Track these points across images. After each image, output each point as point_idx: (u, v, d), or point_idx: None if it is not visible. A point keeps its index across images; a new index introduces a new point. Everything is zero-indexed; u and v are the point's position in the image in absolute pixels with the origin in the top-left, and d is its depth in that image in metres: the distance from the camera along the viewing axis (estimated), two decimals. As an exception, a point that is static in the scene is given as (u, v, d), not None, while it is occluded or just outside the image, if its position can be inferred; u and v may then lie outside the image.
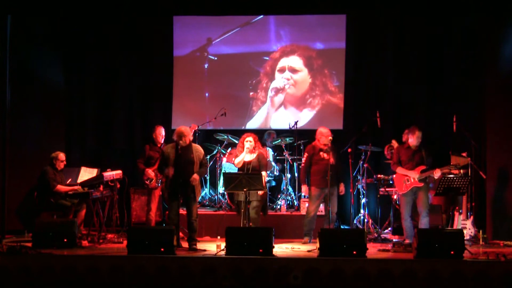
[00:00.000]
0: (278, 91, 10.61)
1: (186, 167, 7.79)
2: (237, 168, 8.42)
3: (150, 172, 8.74)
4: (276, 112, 10.63)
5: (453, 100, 9.99)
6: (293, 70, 10.61)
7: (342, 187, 8.48)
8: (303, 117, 10.50)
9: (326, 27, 10.55)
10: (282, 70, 10.61)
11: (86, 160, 10.12)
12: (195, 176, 7.77)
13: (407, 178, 8.10)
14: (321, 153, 8.24)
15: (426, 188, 8.14)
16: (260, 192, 8.06)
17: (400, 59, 10.35)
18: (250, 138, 8.25)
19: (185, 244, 7.89)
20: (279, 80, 10.60)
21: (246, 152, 8.19)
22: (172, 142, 8.01)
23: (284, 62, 10.62)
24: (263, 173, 8.19)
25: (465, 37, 9.90)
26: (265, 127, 10.57)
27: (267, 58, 10.63)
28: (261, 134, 9.91)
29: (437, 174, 8.03)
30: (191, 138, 8.00)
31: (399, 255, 7.41)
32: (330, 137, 8.30)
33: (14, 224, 9.08)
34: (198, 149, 7.98)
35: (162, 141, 8.93)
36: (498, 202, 8.92)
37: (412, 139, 8.14)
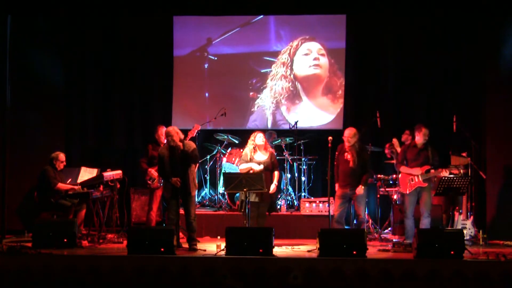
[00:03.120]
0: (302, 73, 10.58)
1: (180, 166, 7.79)
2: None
3: (153, 172, 8.74)
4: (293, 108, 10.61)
5: (453, 100, 9.99)
6: (321, 53, 10.58)
7: (358, 189, 8.01)
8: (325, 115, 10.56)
9: (326, 27, 10.55)
10: (307, 54, 10.58)
11: (86, 160, 10.11)
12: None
13: (412, 177, 8.07)
14: (345, 153, 8.19)
15: (430, 189, 8.10)
16: (271, 190, 8.08)
17: (400, 59, 10.35)
18: (261, 134, 8.24)
19: (185, 245, 7.89)
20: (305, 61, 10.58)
21: (256, 150, 8.14)
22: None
23: (305, 47, 10.58)
24: (276, 172, 8.22)
25: (465, 37, 9.89)
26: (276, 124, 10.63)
27: (268, 58, 10.61)
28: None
29: (443, 174, 8.00)
30: (182, 136, 7.95)
31: (399, 255, 7.41)
32: (347, 138, 8.14)
33: (14, 224, 9.09)
34: (190, 145, 7.88)
35: (165, 141, 8.92)
36: (498, 202, 8.92)
37: (419, 137, 8.10)
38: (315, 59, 10.56)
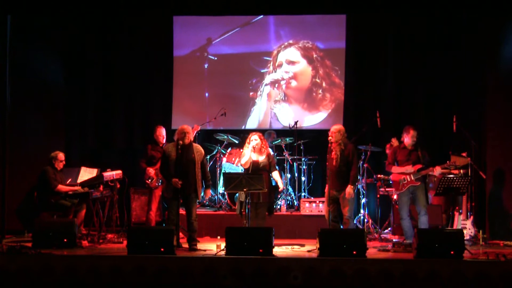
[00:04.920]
0: (274, 83, 10.60)
1: (187, 166, 7.79)
2: (243, 169, 8.31)
3: (151, 171, 8.74)
4: (280, 110, 10.61)
5: (453, 100, 9.99)
6: (291, 62, 10.61)
7: (347, 189, 7.88)
8: (314, 116, 10.56)
9: (326, 27, 10.55)
10: (280, 66, 10.61)
11: (86, 160, 10.12)
12: (208, 192, 8.10)
13: (404, 177, 8.08)
14: (332, 152, 8.15)
15: (423, 187, 8.10)
16: (281, 188, 8.18)
17: (400, 59, 10.34)
18: (256, 137, 8.16)
19: (185, 245, 7.89)
20: (278, 73, 10.61)
21: (252, 151, 8.11)
22: (173, 141, 8.04)
23: (281, 57, 10.61)
24: (275, 173, 8.21)
25: (465, 37, 9.89)
26: (266, 124, 10.58)
27: (268, 58, 10.64)
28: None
29: (437, 171, 8.00)
30: (192, 138, 8.01)
31: (399, 255, 7.41)
32: (330, 134, 8.12)
33: (14, 224, 9.08)
34: (199, 149, 7.97)
35: (164, 141, 8.94)
36: (498, 202, 8.92)
37: (407, 139, 8.12)
38: (286, 72, 10.59)
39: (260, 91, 10.64)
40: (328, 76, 10.53)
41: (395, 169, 8.12)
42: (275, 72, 10.61)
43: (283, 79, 10.59)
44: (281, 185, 8.26)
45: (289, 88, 10.62)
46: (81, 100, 10.57)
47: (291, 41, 10.60)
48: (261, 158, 8.15)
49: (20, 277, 6.64)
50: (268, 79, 10.61)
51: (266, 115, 10.62)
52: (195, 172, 7.81)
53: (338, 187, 7.97)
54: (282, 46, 10.61)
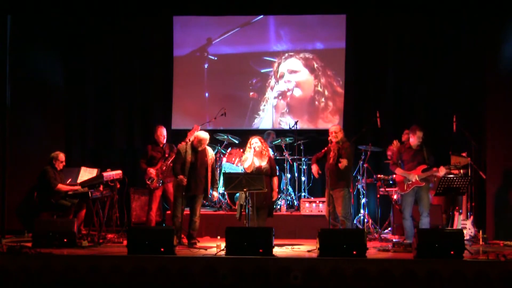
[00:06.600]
0: (280, 95, 10.62)
1: (201, 170, 8.02)
2: (243, 168, 8.29)
3: (152, 172, 8.74)
4: (283, 118, 10.64)
5: (453, 100, 9.99)
6: (293, 72, 10.61)
7: (342, 160, 7.92)
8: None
9: (326, 27, 10.55)
10: (281, 76, 10.63)
11: (86, 160, 10.12)
12: (215, 194, 8.31)
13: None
14: (330, 152, 8.18)
15: (428, 188, 8.10)
16: (274, 197, 8.12)
17: (400, 59, 10.35)
18: (256, 140, 8.18)
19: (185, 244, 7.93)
20: (281, 84, 10.63)
21: (254, 155, 8.11)
22: (181, 141, 8.26)
23: (282, 67, 10.62)
24: (275, 179, 8.22)
25: (465, 36, 9.89)
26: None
27: (268, 58, 10.62)
28: (260, 135, 9.91)
29: (442, 172, 7.97)
30: (191, 138, 8.10)
31: (399, 255, 7.40)
32: (332, 133, 8.16)
33: (14, 224, 9.08)
34: (211, 153, 8.22)
35: (164, 141, 8.95)
36: (498, 202, 8.91)
37: (413, 139, 8.09)
38: (288, 81, 10.59)
39: (265, 101, 10.63)
40: (330, 85, 10.52)
41: (399, 171, 8.10)
42: (278, 83, 10.60)
43: (288, 90, 10.59)
44: (275, 195, 8.20)
45: (293, 98, 10.61)
46: (81, 100, 10.58)
47: (291, 52, 10.59)
48: (263, 163, 8.15)
49: (20, 277, 6.64)
50: (274, 92, 10.60)
51: (274, 125, 10.64)
52: (207, 175, 8.03)
53: (332, 185, 8.05)
54: (283, 58, 10.60)
